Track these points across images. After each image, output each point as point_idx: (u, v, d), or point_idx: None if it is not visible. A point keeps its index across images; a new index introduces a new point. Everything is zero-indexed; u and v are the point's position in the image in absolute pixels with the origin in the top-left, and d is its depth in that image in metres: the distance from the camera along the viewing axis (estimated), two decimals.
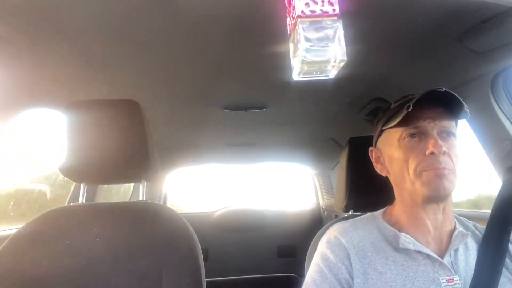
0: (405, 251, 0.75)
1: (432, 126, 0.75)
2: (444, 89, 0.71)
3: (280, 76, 1.14)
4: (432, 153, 0.72)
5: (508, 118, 1.00)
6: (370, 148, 0.89)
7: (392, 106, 0.83)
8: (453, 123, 0.77)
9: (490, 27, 0.79)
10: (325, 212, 2.70)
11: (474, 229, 0.82)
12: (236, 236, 2.64)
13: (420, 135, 0.76)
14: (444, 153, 0.72)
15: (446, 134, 0.76)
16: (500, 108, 1.00)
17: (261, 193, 3.23)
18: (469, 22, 0.81)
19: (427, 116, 0.75)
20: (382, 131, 0.84)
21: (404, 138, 0.77)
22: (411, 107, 0.72)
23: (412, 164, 0.74)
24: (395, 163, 0.79)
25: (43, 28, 0.83)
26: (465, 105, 0.73)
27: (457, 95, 0.72)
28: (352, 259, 0.76)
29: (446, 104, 0.76)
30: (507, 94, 1.00)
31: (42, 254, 0.90)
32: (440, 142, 0.72)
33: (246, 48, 0.97)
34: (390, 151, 0.81)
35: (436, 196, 0.73)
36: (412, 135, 0.76)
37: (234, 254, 2.60)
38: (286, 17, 0.62)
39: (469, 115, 0.75)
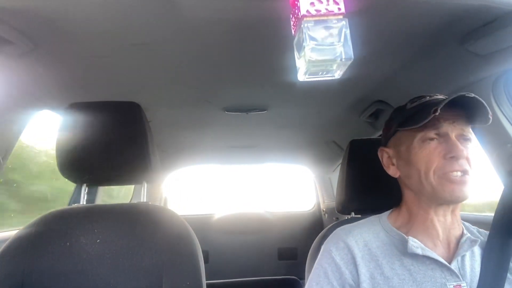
0: (413, 255, 0.74)
1: (452, 129, 0.74)
2: (473, 95, 0.71)
3: (282, 78, 1.14)
4: (452, 157, 0.71)
5: (509, 121, 1.00)
6: (381, 148, 0.87)
7: (409, 106, 0.82)
8: (469, 128, 0.77)
9: (491, 30, 0.79)
10: (326, 215, 2.70)
11: (478, 234, 0.81)
12: (236, 239, 2.64)
13: (440, 138, 0.75)
14: (464, 157, 0.72)
15: (464, 140, 0.75)
16: (501, 111, 1.00)
17: (261, 195, 3.22)
18: (470, 25, 0.81)
19: (446, 118, 0.75)
20: (396, 131, 0.83)
21: (423, 140, 0.76)
22: (438, 111, 0.70)
23: (431, 167, 0.73)
24: (411, 165, 0.78)
25: (45, 30, 0.83)
26: (490, 112, 0.72)
27: (484, 102, 0.71)
28: (358, 263, 0.75)
29: (465, 109, 0.75)
30: (509, 97, 1.00)
31: (43, 256, 0.90)
32: (460, 145, 0.72)
33: (248, 50, 0.97)
34: (407, 153, 0.79)
35: (455, 201, 0.73)
36: (431, 138, 0.75)
37: (235, 256, 2.59)
38: (290, 18, 0.62)
39: (490, 122, 0.74)
